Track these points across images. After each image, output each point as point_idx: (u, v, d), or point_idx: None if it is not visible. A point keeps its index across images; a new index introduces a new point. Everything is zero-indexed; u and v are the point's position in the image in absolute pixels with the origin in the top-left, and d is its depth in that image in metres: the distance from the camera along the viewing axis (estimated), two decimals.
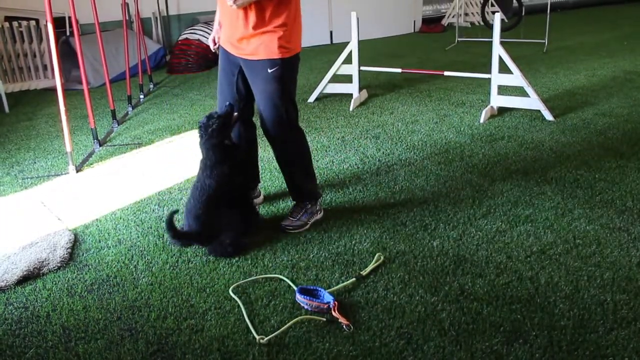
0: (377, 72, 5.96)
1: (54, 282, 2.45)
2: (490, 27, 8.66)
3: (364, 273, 2.39)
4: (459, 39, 8.80)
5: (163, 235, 2.83)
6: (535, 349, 1.90)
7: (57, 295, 2.35)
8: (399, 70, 5.50)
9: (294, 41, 2.66)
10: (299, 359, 1.91)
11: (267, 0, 2.51)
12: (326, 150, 4.00)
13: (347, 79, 5.31)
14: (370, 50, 8.33)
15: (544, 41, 7.88)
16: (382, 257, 2.50)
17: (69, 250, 2.71)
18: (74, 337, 2.08)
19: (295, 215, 2.84)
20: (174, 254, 2.63)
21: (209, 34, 7.74)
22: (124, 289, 2.38)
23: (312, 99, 5.49)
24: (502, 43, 4.46)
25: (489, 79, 4.63)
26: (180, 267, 2.53)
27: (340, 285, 2.31)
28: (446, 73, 5.16)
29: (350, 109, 5.10)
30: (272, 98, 2.66)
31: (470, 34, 9.60)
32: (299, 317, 2.11)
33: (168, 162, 3.96)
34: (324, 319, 2.09)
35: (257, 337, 2.01)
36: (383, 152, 3.90)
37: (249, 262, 2.54)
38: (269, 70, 2.61)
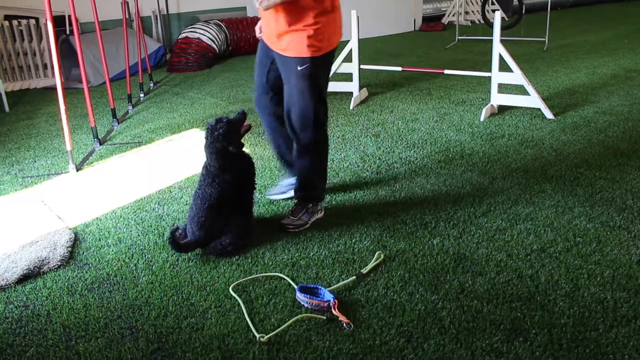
0: (378, 70, 5.96)
1: (54, 281, 2.45)
2: (490, 25, 8.67)
3: (364, 271, 2.39)
4: (459, 38, 8.79)
5: (163, 234, 2.84)
6: (536, 347, 1.90)
7: (57, 294, 2.35)
8: (399, 68, 5.50)
9: (326, 39, 2.64)
10: (299, 357, 1.92)
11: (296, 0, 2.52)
12: None
13: (347, 77, 5.31)
14: (371, 49, 8.33)
15: (544, 39, 7.88)
16: (382, 256, 2.50)
17: (69, 249, 2.71)
18: (74, 336, 2.08)
19: (296, 214, 2.84)
20: (174, 253, 2.63)
21: (209, 33, 7.79)
22: (124, 288, 2.38)
23: None
24: (502, 41, 4.46)
25: (489, 78, 4.63)
26: (180, 265, 2.53)
27: (341, 283, 2.32)
28: (446, 71, 5.16)
29: (351, 107, 5.10)
30: (301, 94, 2.67)
31: (471, 32, 9.60)
32: (299, 316, 2.11)
33: (168, 161, 3.96)
34: (324, 318, 2.10)
35: (258, 336, 2.01)
36: (383, 151, 3.90)
37: (249, 260, 2.54)
38: (299, 68, 2.63)
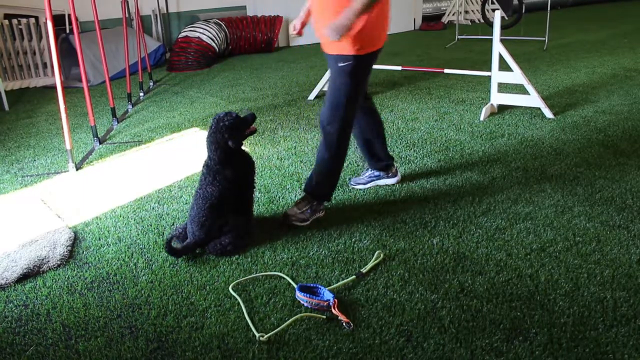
0: (377, 69, 5.91)
1: (54, 280, 2.45)
2: (490, 24, 8.66)
3: (364, 271, 2.39)
4: (459, 37, 8.79)
5: (163, 233, 2.84)
6: (535, 346, 1.90)
7: (57, 293, 2.35)
8: (399, 67, 5.49)
9: (368, 39, 2.65)
10: (299, 356, 1.92)
11: None
12: None
13: None
14: None
15: (544, 39, 7.88)
16: (382, 255, 2.50)
17: (69, 248, 2.71)
18: (74, 335, 2.08)
19: (301, 207, 2.86)
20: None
21: (209, 32, 7.78)
22: (124, 287, 2.38)
23: (312, 96, 5.48)
24: (502, 41, 4.46)
25: (489, 77, 4.62)
26: (180, 264, 2.53)
27: (340, 282, 2.32)
28: (446, 71, 5.16)
29: None
30: (337, 91, 2.71)
31: (471, 31, 9.60)
32: (299, 315, 2.11)
33: (168, 160, 3.96)
34: (324, 317, 2.10)
35: (257, 335, 2.01)
36: None
37: (249, 259, 2.54)
38: (339, 65, 2.67)
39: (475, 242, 2.60)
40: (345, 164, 3.64)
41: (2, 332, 2.12)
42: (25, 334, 2.10)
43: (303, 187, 3.00)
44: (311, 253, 2.57)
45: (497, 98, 4.64)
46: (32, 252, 2.66)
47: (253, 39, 8.58)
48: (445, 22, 11.26)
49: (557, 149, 3.74)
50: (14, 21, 6.58)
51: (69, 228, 2.93)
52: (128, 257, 2.62)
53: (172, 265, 2.52)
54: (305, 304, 2.17)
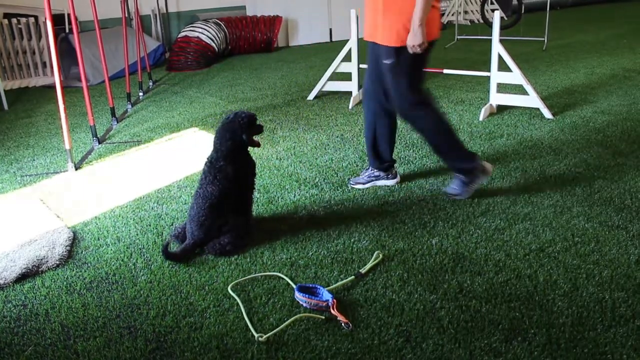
0: None
1: (53, 280, 2.45)
2: (489, 25, 8.66)
3: (363, 271, 2.39)
4: (458, 37, 8.79)
5: (162, 233, 2.84)
6: (534, 347, 1.91)
7: (55, 293, 2.35)
8: None
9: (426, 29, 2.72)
10: (298, 356, 1.92)
11: None
12: (325, 148, 4.00)
13: (347, 76, 5.31)
14: None
15: (543, 39, 7.88)
16: (381, 255, 2.50)
17: (68, 248, 2.71)
18: (72, 335, 2.08)
19: (454, 184, 3.05)
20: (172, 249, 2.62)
21: (209, 32, 7.78)
22: (123, 287, 2.38)
23: (311, 96, 5.48)
24: (501, 41, 4.46)
25: (488, 77, 4.63)
26: (179, 265, 2.53)
27: (339, 283, 2.32)
28: (445, 71, 5.16)
29: (350, 106, 5.10)
30: (393, 80, 2.86)
31: (470, 31, 9.60)
32: (298, 315, 2.11)
33: (167, 160, 3.96)
34: (323, 317, 2.10)
35: (256, 335, 2.01)
36: None
37: (248, 260, 2.54)
38: (387, 56, 2.82)
39: (474, 243, 2.60)
40: (344, 164, 3.65)
41: (1, 332, 2.12)
42: (23, 334, 2.10)
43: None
44: (310, 253, 2.57)
45: (496, 98, 4.64)
46: (31, 252, 2.66)
47: (252, 39, 8.58)
48: (445, 22, 11.26)
49: (556, 150, 3.74)
50: (14, 20, 6.57)
51: (68, 228, 2.93)
52: (127, 257, 2.62)
53: (171, 266, 2.52)
54: (304, 305, 2.17)
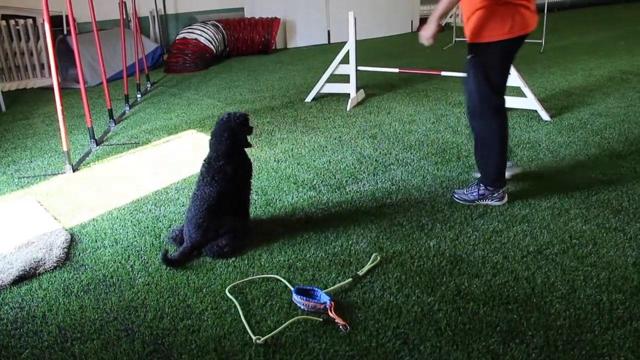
0: (375, 72, 5.96)
1: (50, 282, 2.45)
2: None
3: (360, 273, 2.39)
4: (456, 39, 8.81)
5: (160, 235, 2.83)
6: (532, 349, 1.91)
7: (53, 295, 2.35)
8: (396, 70, 5.50)
9: (496, 28, 2.73)
10: (296, 359, 1.91)
11: None
12: (323, 150, 4.00)
13: (345, 78, 5.31)
14: (368, 50, 8.33)
15: (541, 41, 7.89)
16: (378, 257, 2.50)
17: (65, 250, 2.70)
18: (70, 338, 2.08)
19: (469, 189, 3.03)
20: (170, 254, 2.62)
21: (207, 33, 7.78)
22: (120, 289, 2.38)
23: (309, 98, 5.49)
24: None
25: None
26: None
27: (337, 285, 2.31)
28: (443, 73, 5.17)
29: (348, 108, 5.10)
30: (472, 77, 2.86)
31: None
32: (296, 318, 2.11)
33: (165, 162, 3.95)
34: (321, 319, 2.10)
35: (254, 338, 2.01)
36: (380, 152, 3.90)
37: (246, 262, 2.54)
38: (470, 51, 2.86)
39: (471, 245, 2.61)
40: (342, 166, 3.65)
41: None
42: (20, 337, 2.10)
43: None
44: (308, 255, 2.57)
45: None
46: (28, 254, 2.65)
47: (251, 41, 8.58)
48: (443, 25, 11.28)
49: (554, 152, 3.75)
50: (12, 22, 6.57)
51: (66, 230, 2.93)
52: (125, 260, 2.62)
53: (168, 268, 2.52)
54: (302, 307, 2.17)
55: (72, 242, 2.81)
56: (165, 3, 8.90)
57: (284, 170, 3.64)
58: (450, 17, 11.19)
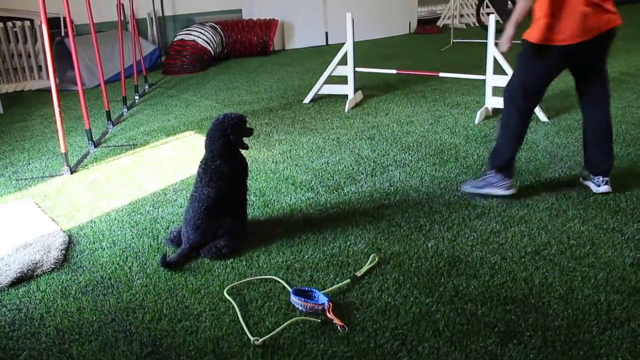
0: (373, 73, 5.96)
1: (48, 284, 2.44)
2: (485, 28, 8.69)
3: (358, 274, 2.39)
4: (454, 40, 8.82)
5: (158, 237, 2.83)
6: (530, 349, 1.91)
7: (51, 297, 2.35)
8: (394, 71, 5.51)
9: (541, 30, 2.90)
10: None
11: None
12: (321, 151, 4.00)
13: (343, 80, 5.32)
14: (366, 52, 8.34)
15: None
16: (376, 258, 2.50)
17: (63, 251, 2.70)
18: (68, 339, 2.07)
19: (480, 176, 3.15)
20: (169, 255, 2.62)
21: (205, 35, 7.79)
22: (118, 291, 2.37)
23: (307, 100, 5.49)
24: (497, 44, 4.47)
25: (484, 80, 4.64)
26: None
27: (335, 286, 2.32)
28: (441, 74, 5.18)
29: (346, 110, 5.11)
30: (515, 70, 3.08)
31: (466, 35, 9.63)
32: (294, 319, 2.11)
33: (163, 163, 3.95)
34: (319, 320, 2.10)
35: (252, 339, 2.00)
36: (378, 153, 3.91)
37: (244, 263, 2.54)
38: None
39: (469, 246, 2.61)
40: (340, 167, 3.65)
41: None
42: (18, 339, 2.09)
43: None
44: (306, 257, 2.57)
45: (492, 101, 4.65)
46: (26, 255, 2.65)
47: (249, 42, 8.59)
48: (441, 26, 11.29)
49: (552, 152, 3.76)
50: (9, 24, 6.56)
51: (64, 232, 2.92)
52: (122, 261, 2.61)
53: (166, 269, 2.52)
54: (300, 308, 2.17)
55: (70, 243, 2.81)
56: (163, 5, 8.90)
57: (282, 172, 3.64)
58: (449, 18, 11.21)
